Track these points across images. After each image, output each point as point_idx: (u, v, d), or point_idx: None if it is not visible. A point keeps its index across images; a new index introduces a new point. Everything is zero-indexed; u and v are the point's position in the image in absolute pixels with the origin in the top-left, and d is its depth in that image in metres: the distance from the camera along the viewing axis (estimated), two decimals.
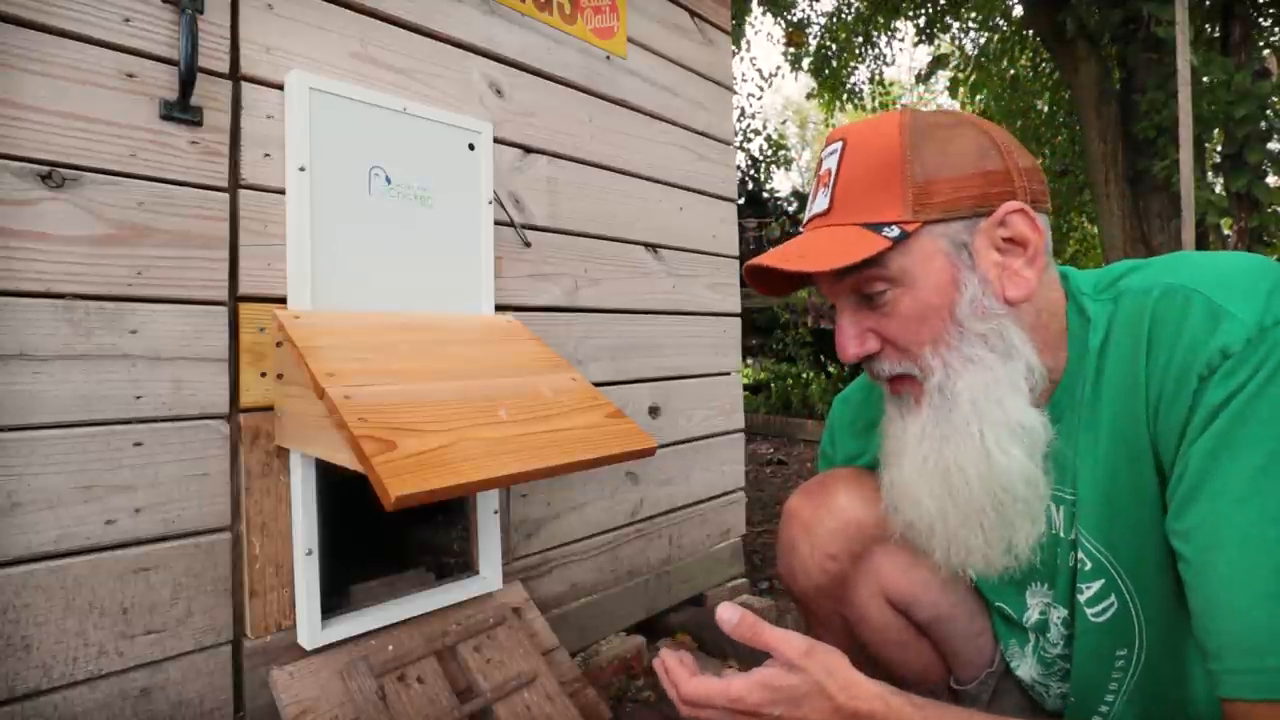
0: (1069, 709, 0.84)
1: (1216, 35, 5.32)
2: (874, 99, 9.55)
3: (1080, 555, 0.75)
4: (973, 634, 0.93)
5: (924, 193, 0.68)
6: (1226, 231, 5.04)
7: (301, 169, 1.09)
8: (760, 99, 14.29)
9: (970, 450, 0.69)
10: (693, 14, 1.98)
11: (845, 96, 9.53)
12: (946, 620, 0.92)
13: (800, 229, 0.78)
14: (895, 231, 0.67)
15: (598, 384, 1.58)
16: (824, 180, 0.74)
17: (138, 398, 0.98)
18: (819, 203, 0.74)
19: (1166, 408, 0.63)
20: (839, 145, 0.73)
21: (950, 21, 8.19)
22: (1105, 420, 0.70)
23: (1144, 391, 0.65)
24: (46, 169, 0.91)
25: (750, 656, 1.74)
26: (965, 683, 0.95)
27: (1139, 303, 0.67)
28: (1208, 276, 0.64)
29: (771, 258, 0.72)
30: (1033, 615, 0.85)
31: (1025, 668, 0.89)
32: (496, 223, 1.39)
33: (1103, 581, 0.74)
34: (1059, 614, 0.81)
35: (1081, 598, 0.76)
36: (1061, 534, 0.77)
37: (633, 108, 1.77)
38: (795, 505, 0.93)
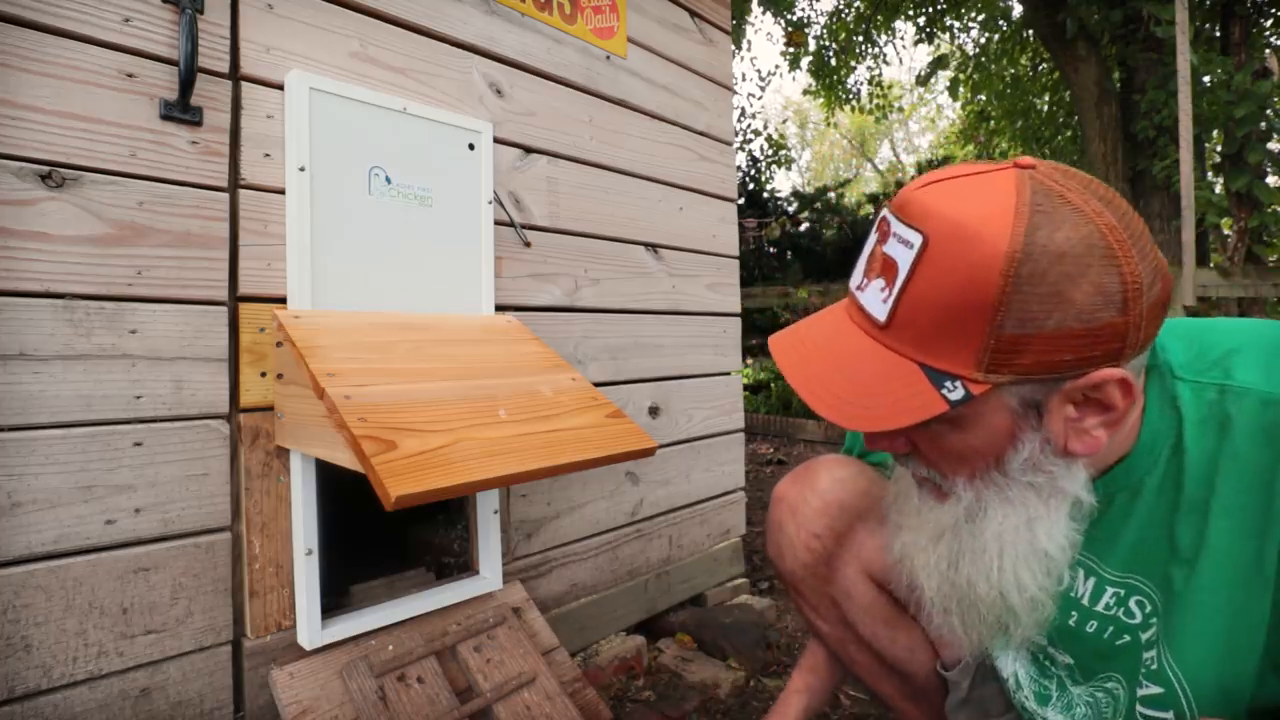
0: None
1: (1216, 35, 5.32)
2: (872, 100, 9.57)
3: (1150, 655, 0.69)
4: None
5: (1007, 350, 0.55)
6: (1226, 232, 5.04)
7: (301, 169, 1.09)
8: (760, 99, 14.34)
9: (983, 574, 0.66)
10: (693, 14, 1.98)
11: (845, 99, 9.57)
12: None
13: (849, 289, 0.67)
14: (959, 394, 0.56)
15: (598, 384, 1.58)
16: (889, 271, 0.59)
17: (138, 398, 0.98)
18: (874, 302, 0.61)
19: None
20: (919, 240, 0.56)
21: (950, 22, 8.20)
22: (1215, 534, 0.63)
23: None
24: (46, 169, 0.91)
25: (751, 656, 1.74)
26: (950, 666, 0.95)
27: (1268, 416, 0.60)
28: None
29: (803, 379, 0.63)
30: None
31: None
32: (496, 223, 1.39)
33: (1163, 690, 0.68)
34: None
35: (1140, 691, 0.71)
36: (1121, 616, 0.71)
37: (633, 108, 1.77)
38: (782, 489, 0.99)
